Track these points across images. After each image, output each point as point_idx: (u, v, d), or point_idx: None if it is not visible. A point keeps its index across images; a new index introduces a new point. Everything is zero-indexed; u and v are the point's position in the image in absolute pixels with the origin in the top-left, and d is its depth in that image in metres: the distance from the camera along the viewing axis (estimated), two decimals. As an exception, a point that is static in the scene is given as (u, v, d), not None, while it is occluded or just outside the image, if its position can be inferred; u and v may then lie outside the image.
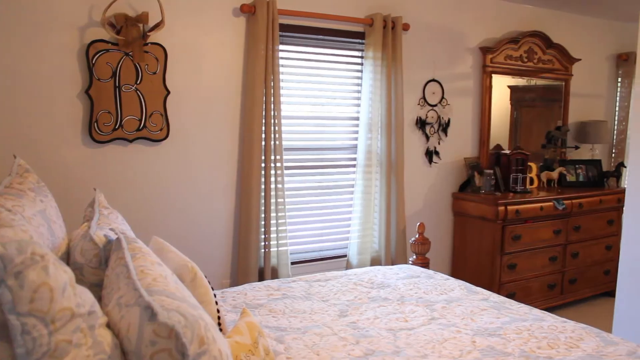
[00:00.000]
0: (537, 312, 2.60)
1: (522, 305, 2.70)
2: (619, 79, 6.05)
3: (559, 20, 5.44)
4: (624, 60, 5.91)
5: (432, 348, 2.15)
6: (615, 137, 6.07)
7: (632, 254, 3.53)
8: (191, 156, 3.69)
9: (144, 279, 1.42)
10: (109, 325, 1.34)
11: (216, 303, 1.93)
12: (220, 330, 1.90)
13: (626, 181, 3.67)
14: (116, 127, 3.36)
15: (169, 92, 3.51)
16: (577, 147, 5.61)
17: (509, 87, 5.26)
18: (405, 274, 3.15)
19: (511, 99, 5.33)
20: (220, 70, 3.74)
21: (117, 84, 3.33)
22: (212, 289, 1.97)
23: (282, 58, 3.92)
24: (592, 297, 5.24)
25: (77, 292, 1.24)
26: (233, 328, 1.85)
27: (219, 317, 1.91)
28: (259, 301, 2.66)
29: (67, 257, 1.80)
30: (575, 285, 5.05)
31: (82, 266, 1.68)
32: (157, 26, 3.34)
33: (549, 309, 4.79)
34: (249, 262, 3.79)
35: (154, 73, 3.45)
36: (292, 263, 4.07)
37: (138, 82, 3.40)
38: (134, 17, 3.33)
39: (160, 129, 3.51)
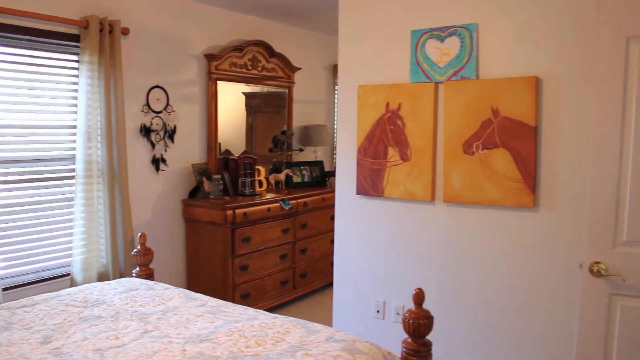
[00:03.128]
0: (251, 311, 2.70)
1: (238, 306, 2.79)
2: (336, 87, 6.65)
3: (281, 32, 5.79)
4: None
5: (140, 363, 2.10)
6: (335, 139, 6.65)
7: (342, 246, 3.90)
8: None
9: None
10: None
11: None
12: None
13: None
14: None
15: None
16: (301, 150, 6.02)
17: (244, 93, 5.44)
18: (124, 287, 3.03)
19: (246, 105, 5.52)
20: None
21: None
22: None
23: (-21, 60, 3.51)
24: (322, 288, 5.68)
25: None
26: None
27: None
28: (-57, 339, 2.33)
29: None
30: (306, 279, 5.42)
31: None
32: None
33: (284, 304, 5.08)
34: (-53, 293, 3.32)
35: None
36: (5, 289, 3.66)
37: None
38: None
39: None
